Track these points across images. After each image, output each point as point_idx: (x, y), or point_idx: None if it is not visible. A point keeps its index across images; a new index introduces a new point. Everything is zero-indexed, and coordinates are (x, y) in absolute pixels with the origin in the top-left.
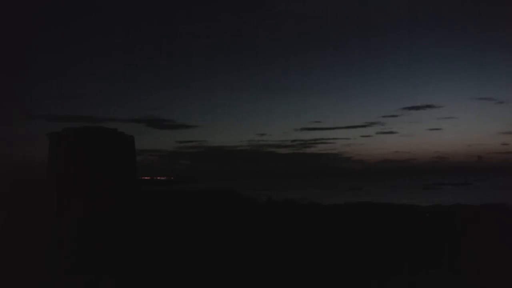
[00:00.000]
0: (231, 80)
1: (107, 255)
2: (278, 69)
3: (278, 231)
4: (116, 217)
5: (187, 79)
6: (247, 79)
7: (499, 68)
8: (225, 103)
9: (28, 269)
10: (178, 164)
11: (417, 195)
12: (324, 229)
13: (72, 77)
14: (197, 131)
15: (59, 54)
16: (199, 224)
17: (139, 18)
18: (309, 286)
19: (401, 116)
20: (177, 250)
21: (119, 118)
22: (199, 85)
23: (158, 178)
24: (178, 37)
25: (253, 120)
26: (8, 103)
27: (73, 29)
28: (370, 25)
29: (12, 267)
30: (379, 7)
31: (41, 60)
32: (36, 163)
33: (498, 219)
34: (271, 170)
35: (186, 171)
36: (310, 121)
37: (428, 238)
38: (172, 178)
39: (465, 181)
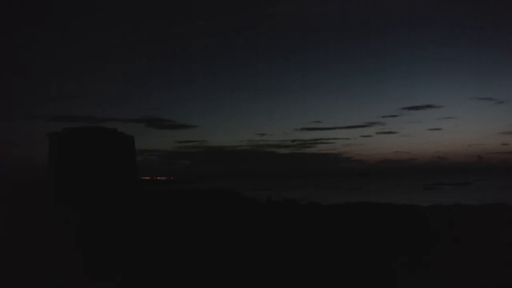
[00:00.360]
0: (231, 80)
1: (109, 254)
2: (278, 69)
3: (278, 231)
4: (116, 217)
5: (187, 79)
6: (247, 79)
7: (499, 68)
8: (225, 103)
9: (28, 270)
10: (178, 164)
11: (417, 195)
12: (324, 229)
13: (72, 77)
14: (197, 131)
15: (59, 54)
16: (200, 224)
17: (139, 18)
18: (309, 286)
19: (401, 116)
20: (178, 250)
21: (119, 118)
22: (199, 85)
23: (158, 178)
24: (178, 37)
25: (253, 120)
26: (8, 103)
27: (73, 29)
28: (370, 25)
29: (12, 267)
30: (379, 7)
31: (41, 60)
32: (36, 163)
33: (498, 219)
34: (271, 170)
35: (186, 171)
36: (310, 121)
37: (428, 238)
38: (172, 178)
39: (465, 181)
